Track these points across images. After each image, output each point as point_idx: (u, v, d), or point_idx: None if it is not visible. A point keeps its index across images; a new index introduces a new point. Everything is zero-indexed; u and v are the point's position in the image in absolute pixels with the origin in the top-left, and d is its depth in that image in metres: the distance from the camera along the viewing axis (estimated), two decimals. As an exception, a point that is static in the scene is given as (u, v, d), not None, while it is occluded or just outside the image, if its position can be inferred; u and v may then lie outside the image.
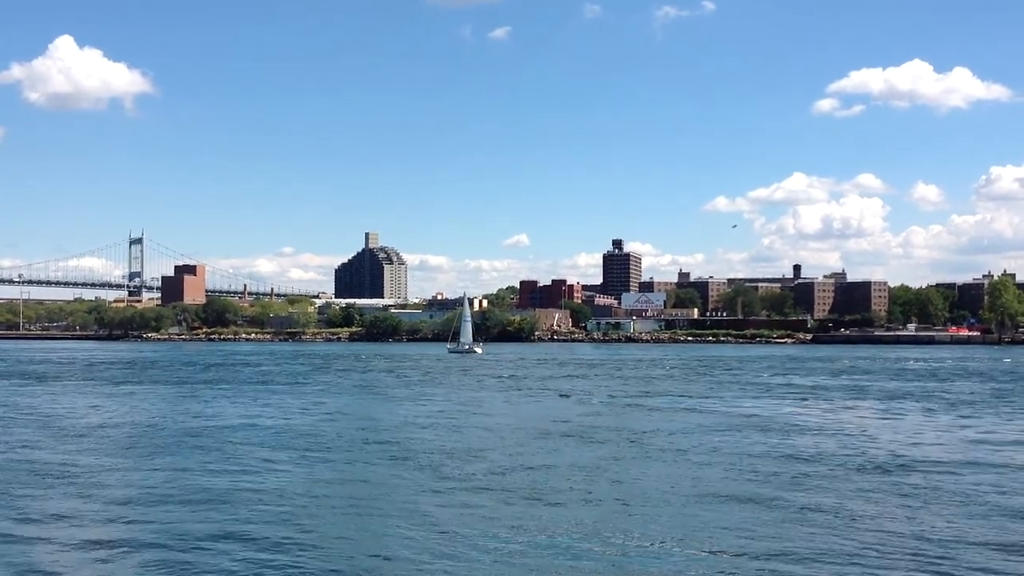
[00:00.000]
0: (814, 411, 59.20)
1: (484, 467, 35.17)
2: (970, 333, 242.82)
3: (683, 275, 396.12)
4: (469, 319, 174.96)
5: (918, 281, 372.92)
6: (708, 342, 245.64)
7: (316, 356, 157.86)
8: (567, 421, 51.72)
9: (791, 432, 46.77)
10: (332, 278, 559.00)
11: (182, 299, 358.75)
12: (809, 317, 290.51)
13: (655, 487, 31.20)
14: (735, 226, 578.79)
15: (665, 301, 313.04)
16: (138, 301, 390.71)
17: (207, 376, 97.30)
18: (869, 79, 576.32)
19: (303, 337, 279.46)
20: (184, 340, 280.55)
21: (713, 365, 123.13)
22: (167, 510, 27.70)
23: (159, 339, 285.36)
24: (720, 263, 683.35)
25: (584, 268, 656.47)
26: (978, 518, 26.56)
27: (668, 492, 30.36)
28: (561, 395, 71.52)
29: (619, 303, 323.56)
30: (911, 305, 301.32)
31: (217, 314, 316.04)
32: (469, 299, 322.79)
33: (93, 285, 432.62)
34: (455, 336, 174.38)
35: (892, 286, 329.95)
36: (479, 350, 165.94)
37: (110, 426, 50.06)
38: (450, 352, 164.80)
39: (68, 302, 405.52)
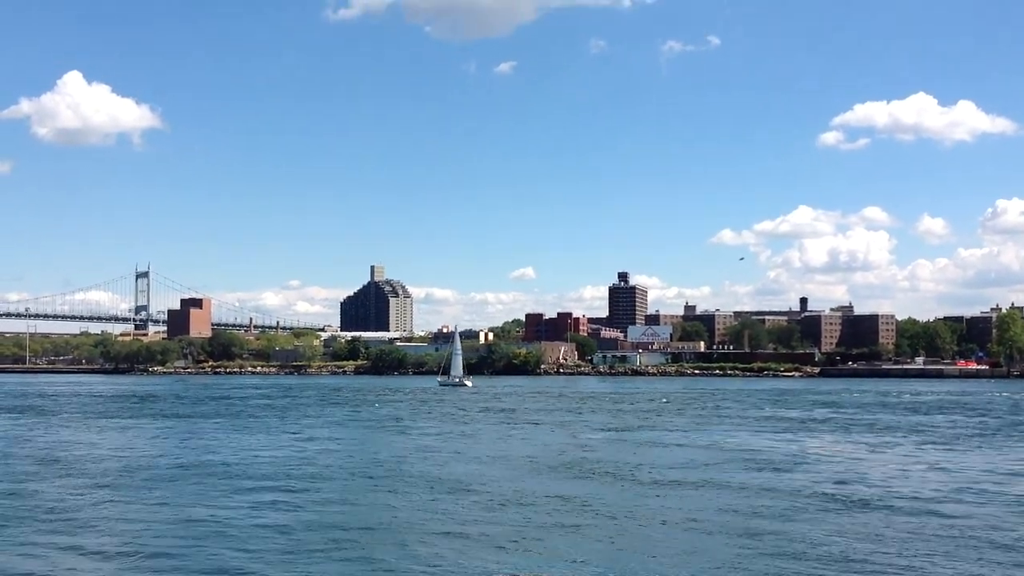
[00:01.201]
0: (821, 446, 58.62)
1: (472, 502, 34.84)
2: (979, 367, 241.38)
3: (689, 308, 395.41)
4: (460, 352, 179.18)
5: (925, 314, 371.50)
6: (715, 375, 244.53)
7: (321, 389, 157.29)
8: (558, 455, 51.25)
9: (789, 467, 46.32)
10: (338, 311, 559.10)
11: (188, 332, 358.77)
12: (816, 350, 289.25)
13: (645, 522, 30.83)
14: (742, 258, 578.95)
15: (671, 334, 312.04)
16: (144, 334, 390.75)
17: (209, 410, 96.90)
18: (874, 112, 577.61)
19: (309, 370, 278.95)
20: (190, 373, 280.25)
21: (717, 398, 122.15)
22: (160, 547, 27.42)
23: (165, 372, 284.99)
24: (726, 296, 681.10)
25: (590, 301, 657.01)
26: (973, 554, 26.14)
27: (657, 526, 29.98)
28: (553, 430, 70.79)
29: (625, 336, 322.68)
30: (919, 338, 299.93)
31: (223, 347, 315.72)
32: (475, 332, 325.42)
33: (99, 319, 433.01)
34: (446, 369, 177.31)
35: (899, 319, 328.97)
36: (469, 383, 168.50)
37: (111, 460, 49.76)
38: (441, 385, 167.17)
39: (74, 335, 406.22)
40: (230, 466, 46.46)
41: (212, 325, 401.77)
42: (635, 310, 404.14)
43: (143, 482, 40.81)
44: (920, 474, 43.78)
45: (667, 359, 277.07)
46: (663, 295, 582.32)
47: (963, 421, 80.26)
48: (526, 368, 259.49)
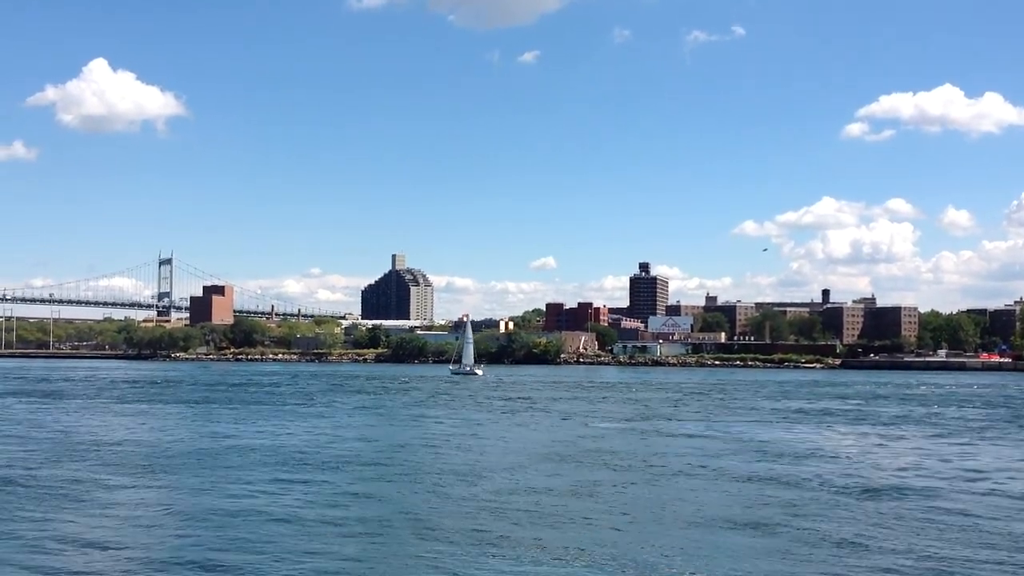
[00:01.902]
0: (831, 437, 58.68)
1: (479, 490, 34.94)
2: (1001, 360, 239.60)
3: (710, 299, 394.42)
4: (471, 341, 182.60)
5: (948, 307, 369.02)
6: (735, 366, 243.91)
7: (340, 376, 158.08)
8: (566, 445, 51.29)
9: (800, 458, 46.24)
10: (359, 299, 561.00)
11: (210, 319, 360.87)
12: (838, 342, 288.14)
13: (649, 511, 30.96)
14: (766, 249, 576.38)
15: (692, 325, 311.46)
16: (167, 321, 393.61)
17: (229, 396, 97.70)
18: (899, 104, 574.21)
19: (329, 358, 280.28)
20: (212, 360, 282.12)
21: (735, 389, 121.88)
22: (176, 530, 27.95)
23: (187, 359, 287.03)
24: (748, 287, 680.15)
25: (611, 291, 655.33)
26: (983, 546, 26.17)
27: (661, 517, 30.10)
28: (564, 418, 70.95)
29: (646, 326, 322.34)
30: (941, 331, 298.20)
31: (245, 334, 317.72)
32: (495, 321, 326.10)
33: (123, 305, 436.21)
34: (458, 358, 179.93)
35: (922, 312, 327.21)
36: (479, 372, 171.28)
37: (127, 444, 50.37)
38: (453, 374, 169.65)
39: (98, 321, 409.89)
40: (239, 452, 46.79)
41: (234, 312, 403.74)
42: (656, 300, 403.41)
43: (167, 466, 41.29)
44: (924, 465, 43.76)
45: (687, 350, 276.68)
46: (684, 286, 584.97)
47: (973, 414, 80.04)
48: (546, 358, 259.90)
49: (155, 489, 35.04)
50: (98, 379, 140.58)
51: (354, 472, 39.67)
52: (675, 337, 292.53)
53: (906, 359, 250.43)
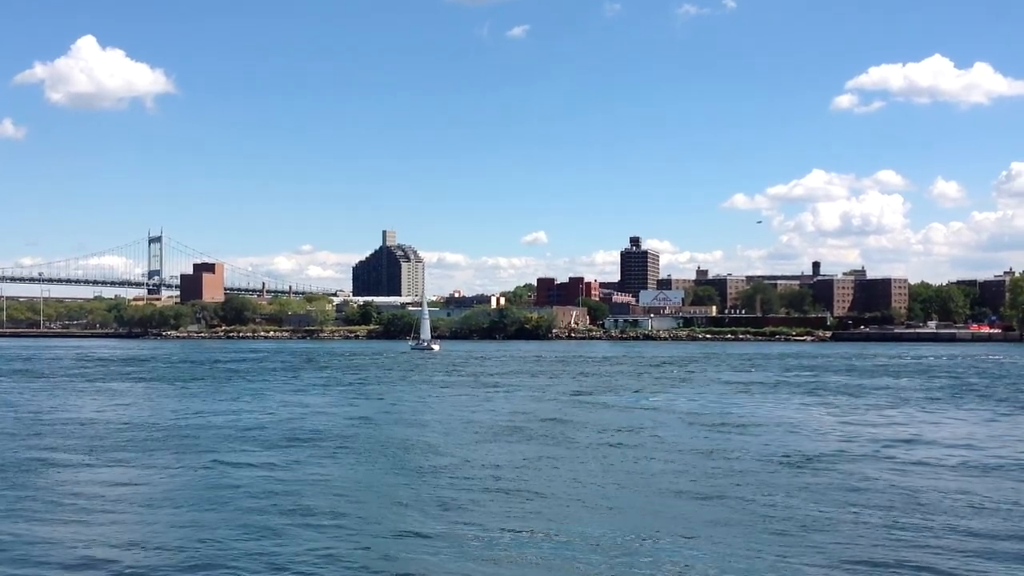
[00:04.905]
0: (824, 410, 58.73)
1: (418, 467, 34.71)
2: (991, 330, 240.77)
3: (701, 272, 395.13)
4: (427, 317, 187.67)
5: (938, 278, 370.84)
6: (727, 339, 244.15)
7: (318, 353, 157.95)
8: (527, 419, 50.94)
9: (759, 429, 46.29)
10: (350, 276, 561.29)
11: (201, 297, 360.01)
12: (828, 314, 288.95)
13: (593, 485, 30.91)
14: (759, 222, 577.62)
15: (683, 299, 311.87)
16: (157, 299, 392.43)
17: (210, 374, 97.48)
18: (889, 75, 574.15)
19: (321, 335, 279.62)
20: (203, 338, 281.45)
21: (721, 362, 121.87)
22: (140, 510, 27.70)
23: (178, 337, 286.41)
24: (739, 260, 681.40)
25: (602, 266, 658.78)
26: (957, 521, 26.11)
27: (605, 489, 30.10)
28: (531, 392, 70.88)
29: (637, 301, 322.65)
30: (932, 302, 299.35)
31: (236, 312, 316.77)
32: (486, 296, 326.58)
33: (113, 283, 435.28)
34: (416, 334, 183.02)
35: (912, 283, 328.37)
36: (436, 347, 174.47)
37: (102, 423, 50.02)
38: (412, 349, 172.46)
39: (88, 300, 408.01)
40: (205, 429, 46.50)
41: (225, 290, 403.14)
42: (647, 275, 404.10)
43: (151, 444, 40.99)
44: (869, 434, 44.26)
45: (679, 323, 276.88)
46: (675, 260, 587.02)
47: (925, 384, 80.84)
48: (537, 333, 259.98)
49: (120, 468, 34.74)
50: (83, 358, 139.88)
51: (304, 452, 38.92)
52: (666, 311, 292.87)
53: (896, 331, 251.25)
